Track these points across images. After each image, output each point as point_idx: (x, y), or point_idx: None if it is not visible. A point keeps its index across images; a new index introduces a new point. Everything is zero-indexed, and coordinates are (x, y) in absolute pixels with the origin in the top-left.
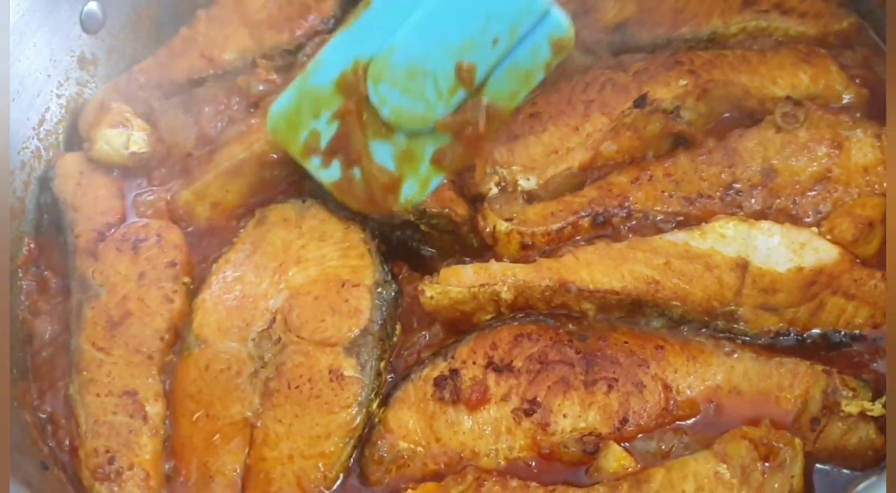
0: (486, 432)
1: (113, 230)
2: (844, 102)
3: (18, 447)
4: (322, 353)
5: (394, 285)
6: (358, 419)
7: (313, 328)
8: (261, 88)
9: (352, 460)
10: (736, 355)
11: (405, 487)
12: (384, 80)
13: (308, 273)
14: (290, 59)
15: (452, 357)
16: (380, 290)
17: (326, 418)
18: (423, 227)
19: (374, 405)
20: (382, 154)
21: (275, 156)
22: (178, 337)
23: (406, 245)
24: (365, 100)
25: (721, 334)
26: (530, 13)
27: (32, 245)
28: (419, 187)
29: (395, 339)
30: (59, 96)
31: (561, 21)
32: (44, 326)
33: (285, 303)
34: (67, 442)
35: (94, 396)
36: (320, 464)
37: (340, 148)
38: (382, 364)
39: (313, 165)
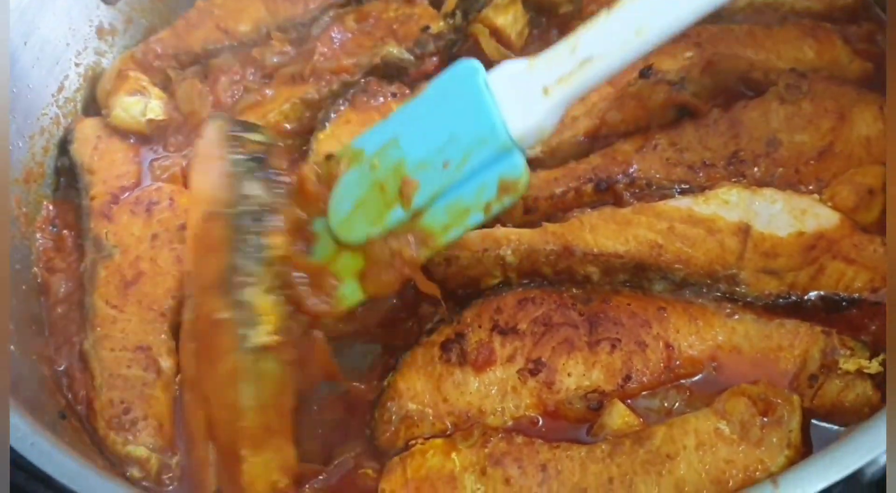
0: (493, 391)
1: (127, 194)
2: (849, 75)
3: (38, 397)
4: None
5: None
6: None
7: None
8: (275, 59)
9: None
10: (737, 317)
11: (414, 442)
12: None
13: None
14: (304, 32)
15: (458, 322)
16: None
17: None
18: None
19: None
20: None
21: (288, 126)
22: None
23: None
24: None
25: (723, 297)
26: (487, 145)
27: (51, 207)
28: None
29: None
30: (77, 65)
31: (517, 163)
32: (59, 282)
33: None
34: (83, 394)
35: (109, 351)
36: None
37: None
38: (270, 297)
39: None
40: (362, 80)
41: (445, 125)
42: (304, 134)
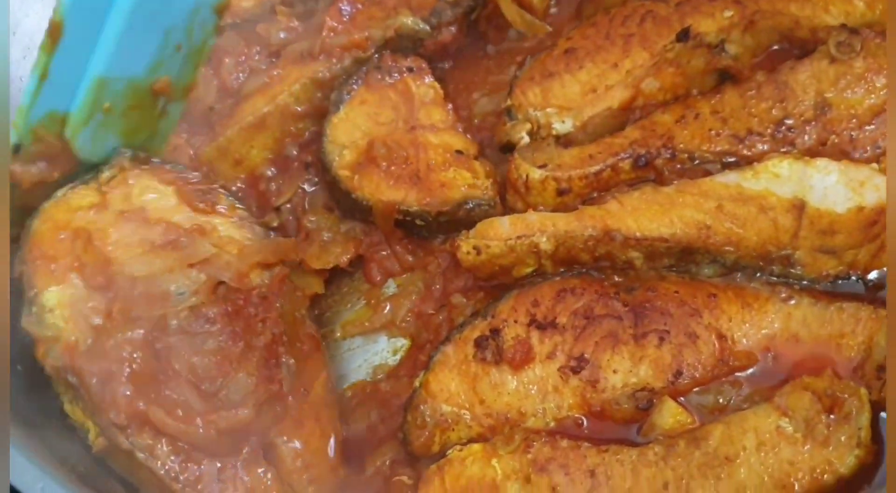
0: (533, 391)
1: None
2: None
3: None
4: None
5: None
6: None
7: None
8: (282, 35)
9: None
10: (793, 301)
11: (451, 447)
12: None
13: None
14: (310, 5)
15: (492, 316)
16: None
17: None
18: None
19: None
20: None
21: (299, 108)
22: None
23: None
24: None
25: (777, 280)
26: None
27: None
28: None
29: None
30: None
31: None
32: None
33: None
34: None
35: None
36: None
37: None
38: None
39: None
40: (375, 56)
41: (156, 29)
42: (317, 116)
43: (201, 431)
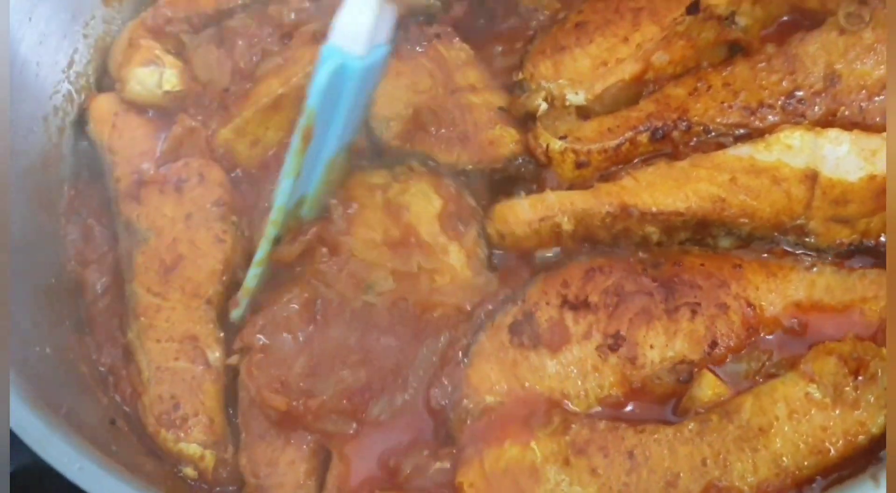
0: (573, 373)
1: (153, 172)
2: None
3: (78, 399)
4: None
5: None
6: None
7: None
8: (293, 16)
9: None
10: (816, 269)
11: None
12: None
13: None
14: None
15: (523, 301)
16: None
17: None
18: None
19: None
20: None
21: None
22: (235, 279)
23: None
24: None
25: (796, 249)
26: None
27: (73, 192)
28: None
29: None
30: (85, 37)
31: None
32: (94, 276)
33: None
34: (129, 391)
35: (155, 342)
36: None
37: None
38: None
39: None
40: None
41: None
42: None
43: (253, 391)
